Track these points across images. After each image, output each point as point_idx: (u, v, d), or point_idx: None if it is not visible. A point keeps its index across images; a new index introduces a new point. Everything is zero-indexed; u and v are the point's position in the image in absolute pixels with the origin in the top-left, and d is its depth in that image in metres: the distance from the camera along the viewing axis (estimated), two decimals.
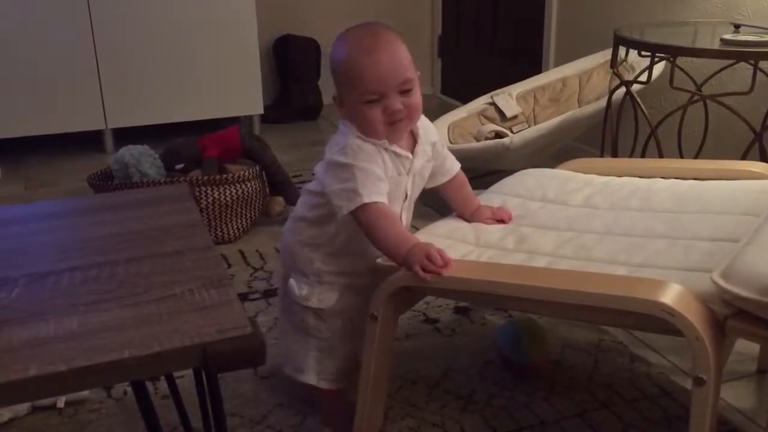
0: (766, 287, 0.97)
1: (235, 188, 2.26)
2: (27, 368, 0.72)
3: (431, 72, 4.24)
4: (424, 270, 1.15)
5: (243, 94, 3.44)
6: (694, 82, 2.26)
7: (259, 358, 0.77)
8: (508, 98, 2.69)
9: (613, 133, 2.24)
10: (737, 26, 2.08)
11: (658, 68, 2.29)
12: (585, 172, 1.60)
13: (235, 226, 2.31)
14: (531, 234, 1.33)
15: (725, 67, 2.20)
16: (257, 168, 2.36)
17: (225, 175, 2.25)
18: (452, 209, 1.47)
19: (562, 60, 2.98)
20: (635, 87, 2.15)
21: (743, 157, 1.94)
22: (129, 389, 1.48)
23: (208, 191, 2.23)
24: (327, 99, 3.70)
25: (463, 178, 1.44)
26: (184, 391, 1.41)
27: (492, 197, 1.52)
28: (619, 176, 1.57)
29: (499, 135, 2.55)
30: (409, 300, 1.37)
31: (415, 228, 1.58)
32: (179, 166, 2.37)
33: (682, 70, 2.19)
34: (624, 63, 2.21)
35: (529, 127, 2.60)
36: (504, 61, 3.56)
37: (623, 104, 2.29)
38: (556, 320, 1.74)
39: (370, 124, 1.22)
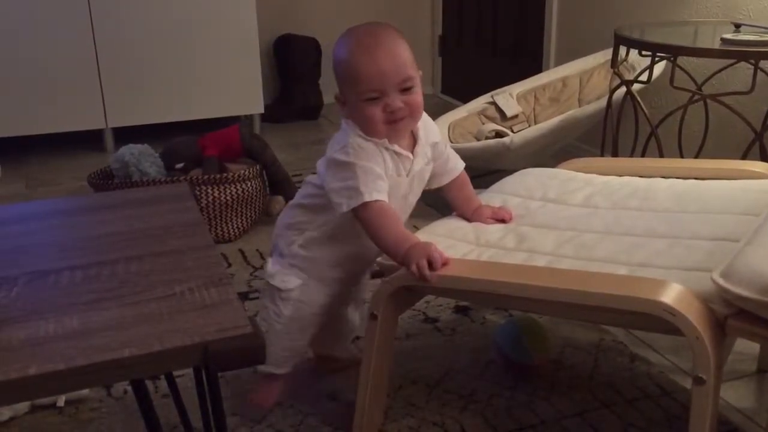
0: (767, 287, 0.97)
1: (235, 187, 2.26)
2: (27, 367, 0.72)
3: (432, 71, 4.25)
4: (423, 269, 1.15)
5: (243, 94, 3.44)
6: (695, 82, 2.26)
7: (259, 357, 0.77)
8: (509, 98, 2.69)
9: (614, 133, 2.24)
10: (738, 26, 2.08)
11: (659, 68, 2.28)
12: (585, 172, 1.60)
13: (236, 226, 2.31)
14: (531, 233, 1.33)
15: (726, 67, 2.19)
16: (257, 167, 2.36)
17: (225, 175, 2.25)
18: (453, 208, 1.47)
19: (562, 59, 2.98)
20: (636, 86, 2.15)
21: (744, 157, 1.94)
22: (129, 388, 1.48)
23: (209, 190, 2.23)
24: (327, 98, 3.70)
25: (465, 177, 1.44)
26: (184, 390, 1.41)
27: (492, 197, 1.52)
28: (620, 176, 1.57)
29: (499, 134, 2.55)
30: (409, 299, 1.37)
31: (415, 228, 1.57)
32: (179, 165, 2.38)
33: (682, 69, 2.18)
34: (624, 62, 2.21)
35: (529, 126, 2.60)
36: (504, 61, 3.56)
37: (624, 104, 2.29)
38: (556, 320, 1.74)
39: (370, 122, 1.22)
